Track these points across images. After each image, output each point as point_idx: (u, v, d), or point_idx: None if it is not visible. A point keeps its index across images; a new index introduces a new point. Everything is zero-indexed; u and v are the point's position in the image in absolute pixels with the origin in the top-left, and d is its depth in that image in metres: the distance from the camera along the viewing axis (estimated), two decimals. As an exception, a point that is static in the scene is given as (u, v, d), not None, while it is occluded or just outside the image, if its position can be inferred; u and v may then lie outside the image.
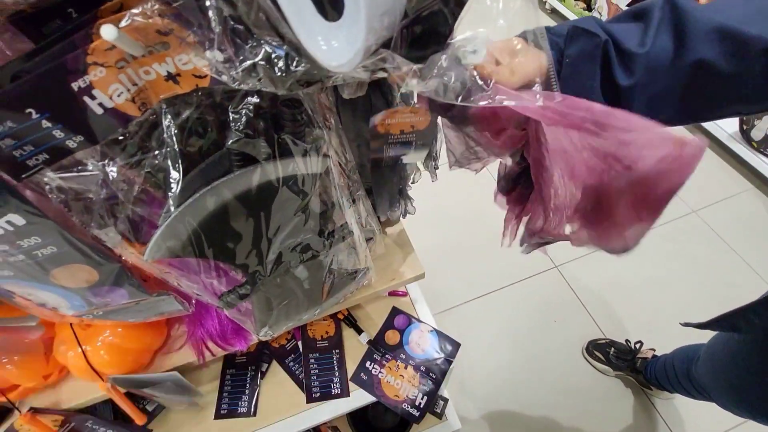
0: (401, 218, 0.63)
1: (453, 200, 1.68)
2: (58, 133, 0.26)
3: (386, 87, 0.41)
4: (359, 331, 0.93)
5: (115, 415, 0.84)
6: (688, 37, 0.32)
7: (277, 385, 0.90)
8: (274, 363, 0.93)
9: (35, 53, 0.29)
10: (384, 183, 0.51)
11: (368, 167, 0.53)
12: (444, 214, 1.66)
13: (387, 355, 0.90)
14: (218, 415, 0.87)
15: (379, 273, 0.71)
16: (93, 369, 0.58)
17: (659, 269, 1.50)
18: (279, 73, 0.23)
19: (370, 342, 0.91)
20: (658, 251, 1.54)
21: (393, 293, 1.00)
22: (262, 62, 0.23)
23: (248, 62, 0.23)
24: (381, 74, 0.25)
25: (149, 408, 0.86)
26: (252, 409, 0.87)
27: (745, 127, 1.59)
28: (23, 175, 0.26)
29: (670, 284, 1.47)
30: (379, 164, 0.47)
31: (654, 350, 1.21)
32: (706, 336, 0.97)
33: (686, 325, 0.65)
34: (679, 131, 0.36)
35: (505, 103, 0.32)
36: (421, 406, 0.86)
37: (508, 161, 0.52)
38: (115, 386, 0.62)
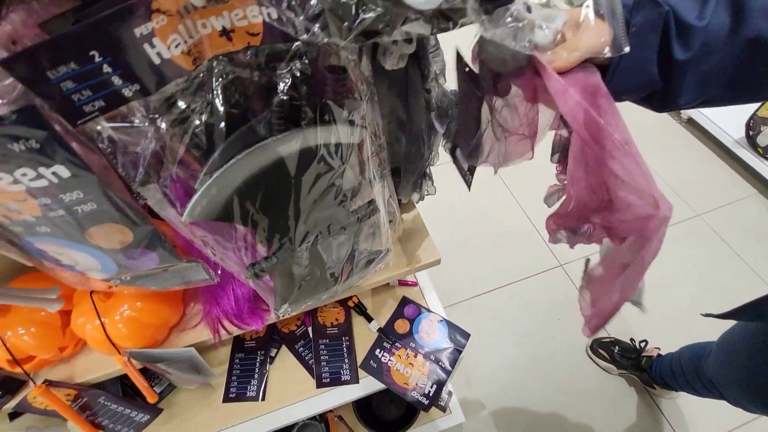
0: (421, 200, 0.63)
1: (460, 199, 1.69)
2: (116, 80, 0.26)
3: (425, 61, 0.42)
4: (369, 318, 0.93)
5: (123, 394, 0.84)
6: (746, 13, 0.33)
7: (286, 371, 0.90)
8: (283, 348, 0.93)
9: (84, 6, 0.29)
10: (417, 159, 0.51)
11: (396, 146, 0.54)
12: (450, 212, 1.66)
13: (397, 344, 0.90)
14: (227, 399, 0.87)
15: (395, 258, 0.71)
16: (111, 342, 0.58)
17: (663, 271, 1.51)
18: (346, 21, 0.23)
19: (380, 330, 0.91)
20: (662, 253, 1.54)
21: (403, 283, 1.00)
22: (330, 8, 0.23)
23: (315, 10, 0.23)
24: (444, 27, 0.25)
25: (157, 390, 0.86)
26: (261, 394, 0.87)
27: (751, 132, 1.60)
28: (79, 121, 0.27)
29: (674, 286, 1.48)
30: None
31: (659, 349, 1.22)
32: (713, 335, 0.97)
33: (707, 315, 0.65)
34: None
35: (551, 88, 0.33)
36: (431, 395, 0.86)
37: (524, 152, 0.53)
38: (131, 361, 0.62)
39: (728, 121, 1.71)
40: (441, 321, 0.94)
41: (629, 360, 1.24)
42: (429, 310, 0.96)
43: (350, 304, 0.95)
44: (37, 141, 0.28)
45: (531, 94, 0.38)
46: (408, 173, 0.55)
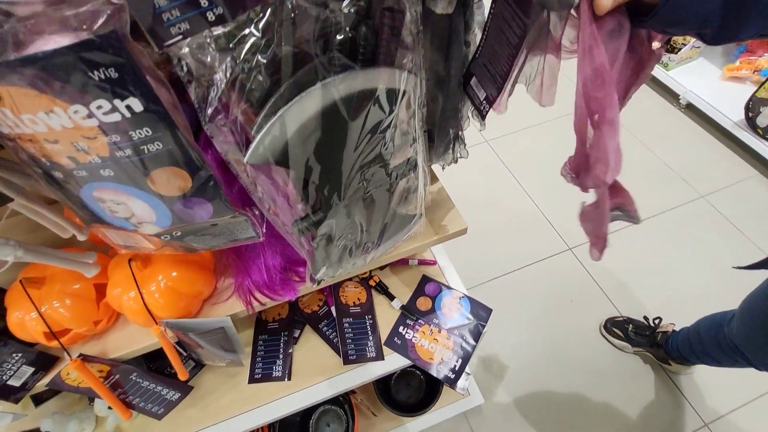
0: (453, 163, 0.64)
1: (466, 184, 1.70)
2: (203, 1, 0.27)
3: (470, 10, 0.43)
4: (391, 297, 0.93)
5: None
6: None
7: (310, 350, 0.90)
8: (306, 329, 0.93)
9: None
10: (453, 115, 0.52)
11: (431, 106, 0.54)
12: (458, 196, 1.67)
13: (420, 320, 0.91)
14: (252, 380, 0.87)
15: (424, 227, 0.71)
16: (148, 311, 0.58)
17: (671, 250, 1.53)
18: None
19: (403, 307, 0.92)
20: (668, 234, 1.57)
21: (422, 262, 1.01)
22: None
23: None
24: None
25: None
26: (286, 373, 0.87)
27: (750, 114, 1.63)
28: (166, 43, 0.27)
29: (681, 266, 1.50)
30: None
31: (674, 325, 1.23)
32: (727, 307, 0.99)
33: (738, 268, 0.66)
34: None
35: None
36: (456, 369, 0.86)
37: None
38: (166, 334, 0.62)
39: (727, 104, 1.75)
40: (462, 297, 0.95)
41: (644, 337, 1.25)
42: (450, 287, 0.96)
43: (371, 283, 0.95)
44: (115, 69, 0.28)
45: (557, 47, 0.39)
46: (442, 132, 0.56)
